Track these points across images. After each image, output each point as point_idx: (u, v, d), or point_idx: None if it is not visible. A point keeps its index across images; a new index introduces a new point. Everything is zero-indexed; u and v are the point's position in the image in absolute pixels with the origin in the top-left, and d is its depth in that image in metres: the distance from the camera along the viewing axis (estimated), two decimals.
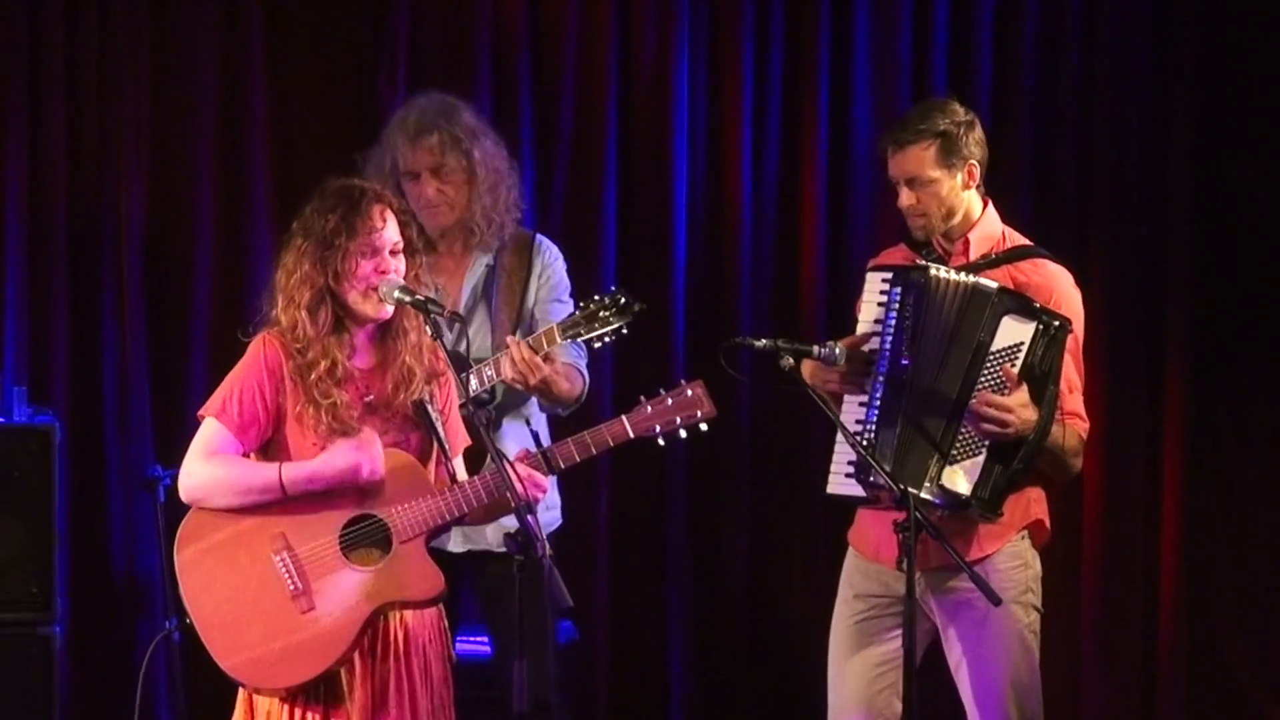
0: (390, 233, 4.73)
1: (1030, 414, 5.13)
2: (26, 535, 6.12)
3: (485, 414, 5.47)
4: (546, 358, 5.48)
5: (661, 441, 4.88)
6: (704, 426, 4.87)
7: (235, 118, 6.88)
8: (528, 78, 6.97)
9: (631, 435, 4.84)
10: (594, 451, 4.82)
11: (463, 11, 6.97)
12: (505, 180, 5.74)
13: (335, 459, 4.66)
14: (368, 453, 4.66)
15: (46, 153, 6.77)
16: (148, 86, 6.83)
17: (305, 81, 6.95)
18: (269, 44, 6.90)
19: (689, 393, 4.86)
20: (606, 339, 5.45)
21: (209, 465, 4.69)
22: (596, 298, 5.45)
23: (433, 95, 5.85)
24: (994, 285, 5.20)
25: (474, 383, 5.50)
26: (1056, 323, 5.17)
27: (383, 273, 4.71)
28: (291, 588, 4.66)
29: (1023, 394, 5.13)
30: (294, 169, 6.80)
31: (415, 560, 4.70)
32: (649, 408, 4.85)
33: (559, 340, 5.47)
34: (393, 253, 4.73)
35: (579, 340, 5.47)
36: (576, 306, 5.50)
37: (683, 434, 4.87)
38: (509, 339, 5.48)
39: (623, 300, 5.41)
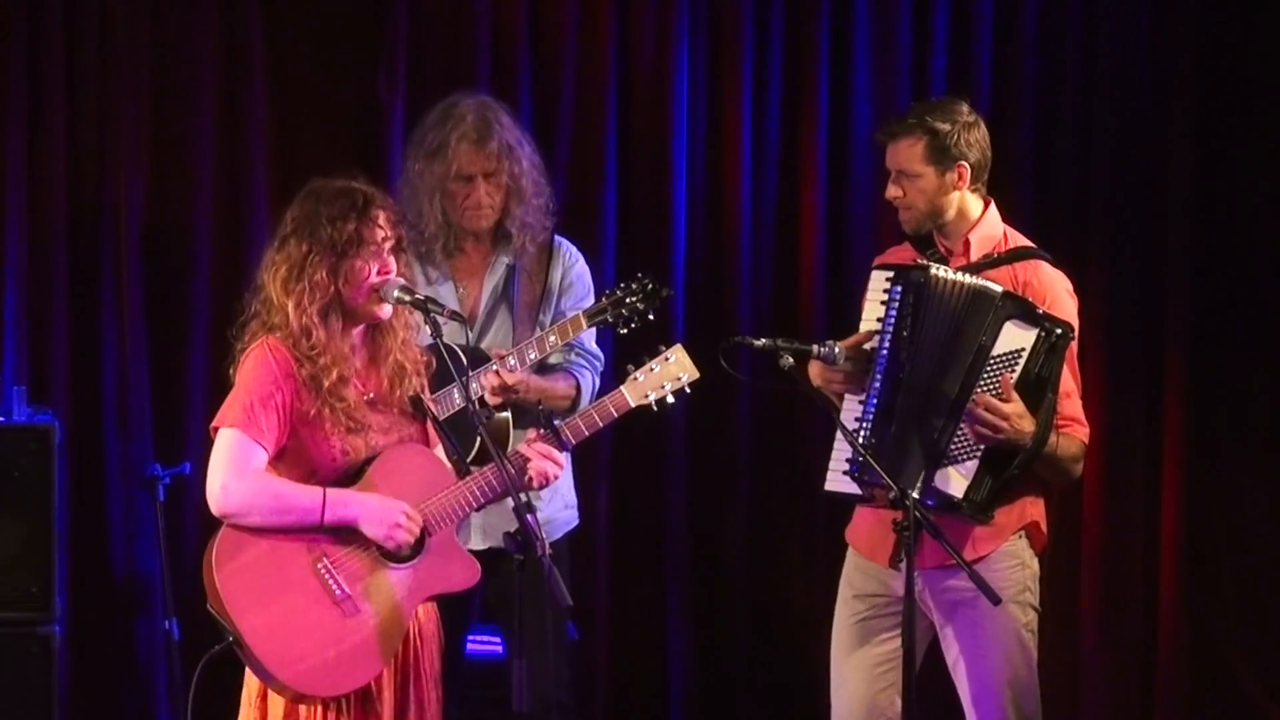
0: (391, 234, 4.75)
1: (1026, 424, 5.14)
2: (26, 535, 6.13)
3: (486, 412, 5.50)
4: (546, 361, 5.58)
5: (655, 408, 5.00)
6: (688, 389, 5.02)
7: (235, 118, 6.88)
8: (528, 78, 6.98)
9: (632, 404, 4.97)
10: (600, 424, 4.92)
11: (463, 11, 6.97)
12: (543, 189, 5.84)
13: (377, 521, 4.66)
14: (407, 528, 4.66)
15: (46, 153, 6.76)
16: (148, 87, 6.83)
17: (305, 82, 6.95)
18: (269, 45, 6.90)
19: (671, 358, 4.99)
20: (634, 324, 5.51)
21: (245, 483, 4.64)
22: (623, 284, 5.52)
23: (474, 96, 5.92)
24: (999, 289, 5.21)
25: (473, 386, 5.55)
26: (1059, 330, 5.18)
27: (385, 274, 4.73)
28: (337, 593, 4.66)
29: (1018, 404, 5.13)
30: (294, 169, 6.78)
31: (450, 550, 4.75)
32: (640, 376, 4.97)
33: (584, 327, 5.58)
34: (391, 252, 4.74)
35: (604, 327, 5.52)
36: (602, 294, 5.54)
37: (671, 400, 5.01)
38: (493, 368, 5.52)
39: (649, 286, 5.47)
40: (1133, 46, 7.08)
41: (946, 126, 5.32)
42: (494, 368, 5.56)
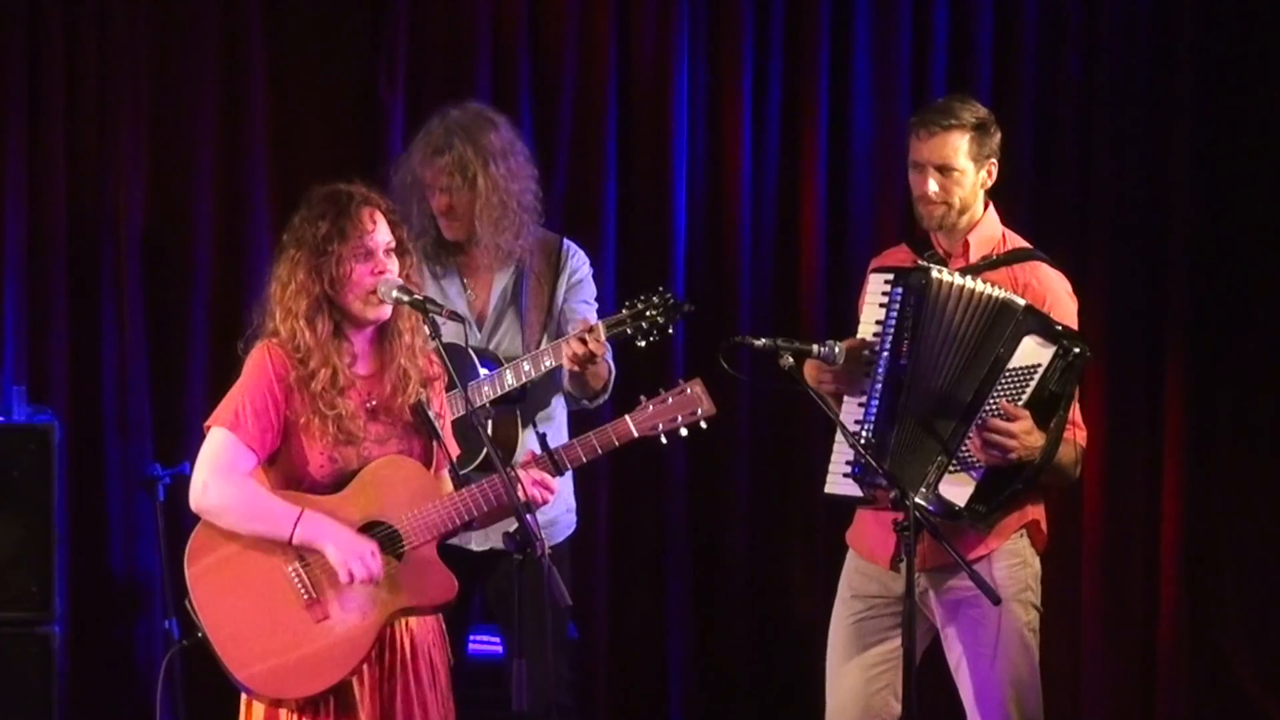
0: (382, 234, 4.72)
1: (1034, 440, 5.12)
2: (26, 535, 6.13)
3: (485, 413, 5.49)
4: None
5: (664, 440, 4.90)
6: (704, 424, 4.90)
7: (235, 118, 6.88)
8: (528, 78, 6.98)
9: (636, 435, 4.86)
10: (599, 452, 4.84)
11: (462, 11, 6.97)
12: (511, 206, 5.68)
13: (342, 549, 4.63)
14: (367, 565, 4.63)
15: (46, 153, 6.77)
16: (148, 87, 6.83)
17: (305, 82, 6.95)
18: (269, 44, 6.90)
19: (689, 391, 4.89)
20: (653, 337, 5.47)
21: (228, 484, 4.65)
22: (643, 297, 5.47)
23: (469, 108, 5.80)
24: (1023, 303, 5.18)
25: (510, 378, 5.53)
26: (1076, 350, 5.15)
27: (380, 274, 4.70)
28: (305, 597, 4.64)
29: (1027, 421, 5.12)
30: (294, 170, 6.80)
31: (428, 565, 4.70)
32: (651, 407, 4.87)
33: (602, 338, 5.50)
34: (387, 253, 4.72)
35: (622, 339, 5.48)
36: (623, 305, 5.52)
37: (684, 432, 4.90)
38: (596, 324, 5.47)
39: (671, 300, 5.43)
40: (1133, 46, 7.08)
41: (986, 122, 5.31)
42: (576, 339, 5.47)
